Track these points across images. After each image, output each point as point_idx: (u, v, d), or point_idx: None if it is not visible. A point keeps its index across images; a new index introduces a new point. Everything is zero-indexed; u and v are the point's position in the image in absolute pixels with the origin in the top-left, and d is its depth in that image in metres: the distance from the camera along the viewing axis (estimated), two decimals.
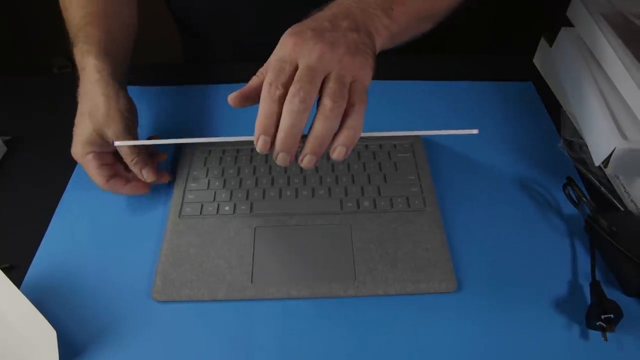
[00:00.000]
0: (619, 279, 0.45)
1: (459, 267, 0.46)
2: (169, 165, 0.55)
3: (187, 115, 0.62)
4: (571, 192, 0.51)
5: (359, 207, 0.50)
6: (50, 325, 0.39)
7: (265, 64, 0.38)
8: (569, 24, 0.61)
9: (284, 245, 0.47)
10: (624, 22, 0.57)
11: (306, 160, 0.35)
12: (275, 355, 0.40)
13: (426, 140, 0.57)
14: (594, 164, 0.50)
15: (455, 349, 0.41)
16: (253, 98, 0.38)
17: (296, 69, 0.35)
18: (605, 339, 0.40)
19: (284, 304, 0.43)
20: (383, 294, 0.44)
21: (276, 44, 0.37)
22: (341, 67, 0.35)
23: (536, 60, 0.70)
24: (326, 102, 0.34)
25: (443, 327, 0.42)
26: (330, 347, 0.41)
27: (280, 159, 0.35)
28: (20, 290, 0.42)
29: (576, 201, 0.50)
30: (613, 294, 0.43)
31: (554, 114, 0.61)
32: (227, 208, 0.50)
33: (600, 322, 0.40)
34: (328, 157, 0.53)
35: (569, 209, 0.51)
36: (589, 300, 0.43)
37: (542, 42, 0.68)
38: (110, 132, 0.46)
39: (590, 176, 0.53)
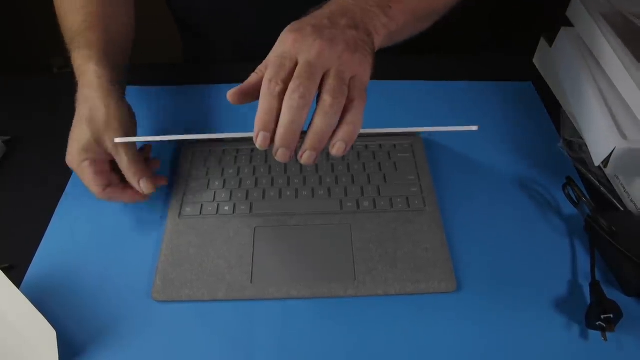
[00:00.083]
0: (619, 279, 0.45)
1: (458, 267, 0.46)
2: (169, 165, 0.55)
3: (187, 115, 0.62)
4: (571, 192, 0.51)
5: (358, 207, 0.50)
6: (50, 325, 0.39)
7: (264, 61, 0.38)
8: (569, 23, 0.61)
9: (283, 245, 0.47)
10: (624, 21, 0.57)
11: (306, 156, 0.35)
12: (275, 355, 0.40)
13: (426, 140, 0.57)
14: (593, 163, 0.50)
15: (455, 349, 0.41)
16: (252, 95, 0.38)
17: (296, 65, 0.35)
18: (605, 339, 0.40)
19: (284, 304, 0.43)
20: (383, 293, 0.44)
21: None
22: (340, 64, 0.35)
23: (536, 60, 0.70)
24: (326, 98, 0.34)
25: (443, 327, 0.42)
26: (330, 347, 0.41)
27: (280, 154, 0.35)
28: (20, 290, 0.42)
29: (576, 201, 0.50)
30: (613, 293, 0.43)
31: (553, 114, 0.61)
32: (226, 208, 0.50)
33: (600, 322, 0.40)
34: (328, 157, 0.54)
35: (568, 209, 0.51)
36: (588, 300, 0.43)
37: (542, 42, 0.68)
38: (108, 140, 0.45)
39: (590, 176, 0.53)
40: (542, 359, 0.40)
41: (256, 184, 0.52)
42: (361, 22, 0.39)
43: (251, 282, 0.44)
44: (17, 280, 0.44)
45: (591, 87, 0.53)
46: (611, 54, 0.52)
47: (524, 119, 0.61)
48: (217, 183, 0.52)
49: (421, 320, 0.42)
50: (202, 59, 0.80)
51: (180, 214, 0.49)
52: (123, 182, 0.48)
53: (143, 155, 0.50)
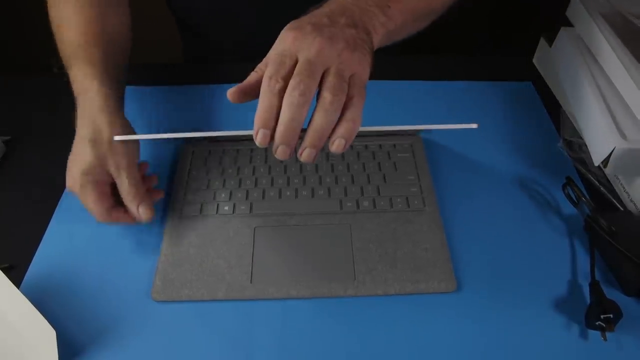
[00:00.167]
0: (619, 279, 0.45)
1: (458, 267, 0.46)
2: (169, 165, 0.55)
3: (187, 115, 0.62)
4: (571, 192, 0.51)
5: (358, 207, 0.50)
6: (49, 325, 0.39)
7: (264, 59, 0.38)
8: (569, 23, 0.61)
9: (283, 245, 0.47)
10: (623, 21, 0.57)
11: (305, 154, 0.35)
12: (275, 355, 0.40)
13: (426, 140, 0.57)
14: (593, 163, 0.50)
15: (455, 349, 0.41)
16: (252, 93, 0.38)
17: (296, 63, 0.35)
18: (605, 339, 0.40)
19: (284, 304, 0.43)
20: (382, 293, 0.44)
21: None
22: (340, 62, 0.35)
23: (536, 60, 0.70)
24: (326, 95, 0.34)
25: (442, 327, 0.42)
26: (330, 347, 0.41)
27: (280, 152, 0.35)
28: (20, 290, 0.42)
29: (576, 201, 0.50)
30: (612, 293, 0.43)
31: (553, 113, 0.61)
32: (226, 208, 0.50)
33: (599, 322, 0.40)
34: (328, 157, 0.54)
35: (568, 208, 0.51)
36: (588, 300, 0.43)
37: (542, 42, 0.68)
38: (111, 163, 0.44)
39: (590, 176, 0.53)
40: (541, 358, 0.40)
41: (256, 184, 0.52)
42: (360, 21, 0.39)
43: (251, 282, 0.44)
44: (17, 280, 0.44)
45: (591, 87, 0.53)
46: (611, 54, 0.52)
47: (524, 119, 0.61)
48: (217, 183, 0.52)
49: (421, 320, 0.42)
50: (202, 58, 0.80)
51: (180, 214, 0.49)
52: (119, 204, 0.46)
53: (140, 171, 0.48)
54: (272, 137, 0.35)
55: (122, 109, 0.48)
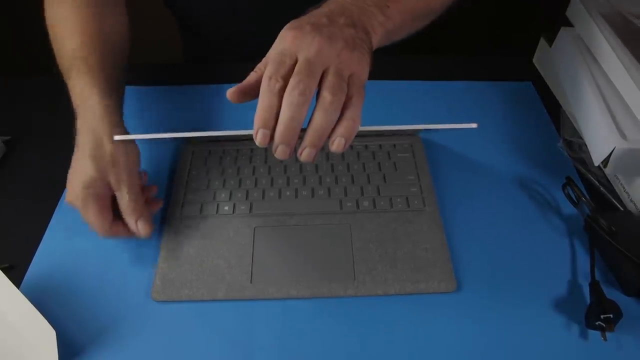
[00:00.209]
0: (619, 279, 0.45)
1: (458, 267, 0.46)
2: (169, 165, 0.55)
3: (187, 115, 0.62)
4: (570, 192, 0.51)
5: (358, 207, 0.50)
6: (49, 325, 0.39)
7: (264, 58, 0.38)
8: (569, 23, 0.61)
9: (283, 245, 0.47)
10: (623, 21, 0.57)
11: (305, 153, 0.35)
12: (275, 355, 0.40)
13: (426, 140, 0.57)
14: (593, 163, 0.50)
15: (455, 349, 0.41)
16: (251, 93, 0.38)
17: (295, 62, 0.35)
18: (605, 339, 0.40)
19: (284, 304, 0.43)
20: (382, 293, 0.44)
21: None
22: (339, 62, 0.35)
23: (536, 60, 0.70)
24: (325, 94, 0.34)
25: (442, 327, 0.42)
26: (330, 347, 0.41)
27: (280, 151, 0.35)
28: (20, 290, 0.42)
29: (575, 201, 0.50)
30: (612, 293, 0.43)
31: (553, 114, 0.61)
32: (226, 208, 0.50)
33: (599, 322, 0.40)
34: (328, 157, 0.54)
35: (568, 208, 0.51)
36: (588, 300, 0.43)
37: (542, 42, 0.68)
38: (112, 176, 0.43)
39: (590, 176, 0.53)
40: (541, 358, 0.40)
41: (256, 184, 0.52)
42: (359, 21, 0.39)
43: (251, 282, 0.44)
44: (17, 280, 0.44)
45: (591, 87, 0.53)
46: (611, 54, 0.52)
47: (524, 119, 0.61)
48: (216, 183, 0.52)
49: (421, 320, 0.42)
50: (202, 58, 0.80)
51: (180, 214, 0.49)
52: (119, 217, 0.45)
53: (140, 180, 0.47)
54: (272, 137, 0.35)
55: (122, 119, 0.47)
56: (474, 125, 0.38)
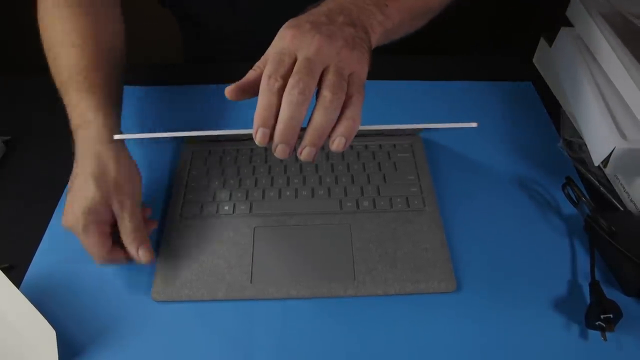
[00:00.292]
0: (619, 279, 0.45)
1: (458, 267, 0.46)
2: (169, 165, 0.55)
3: (187, 115, 0.62)
4: (570, 192, 0.51)
5: (358, 207, 0.50)
6: (49, 325, 0.39)
7: (263, 57, 0.38)
8: (569, 23, 0.61)
9: (283, 245, 0.47)
10: (623, 21, 0.57)
11: (305, 152, 0.35)
12: (275, 355, 0.40)
13: (426, 140, 0.57)
14: (593, 163, 0.50)
15: (455, 349, 0.41)
16: (250, 91, 0.38)
17: (295, 61, 0.35)
18: (605, 339, 0.40)
19: (284, 304, 0.43)
20: (382, 293, 0.44)
21: None
22: (339, 60, 0.35)
23: (536, 60, 0.70)
24: (325, 93, 0.34)
25: (442, 327, 0.42)
26: (330, 347, 0.41)
27: (279, 151, 0.35)
28: (20, 290, 0.42)
29: (575, 201, 0.50)
30: (612, 293, 0.43)
31: (553, 114, 0.61)
32: (226, 208, 0.50)
33: (599, 322, 0.40)
34: (328, 157, 0.54)
35: (568, 208, 0.51)
36: (588, 300, 0.43)
37: (542, 42, 0.68)
38: (116, 202, 0.42)
39: (590, 176, 0.53)
40: (541, 358, 0.40)
41: (256, 184, 0.52)
42: (358, 20, 0.39)
43: (251, 282, 0.44)
44: (17, 280, 0.44)
45: (591, 87, 0.53)
46: (611, 54, 0.52)
47: (524, 119, 0.61)
48: (216, 183, 0.52)
49: (421, 320, 0.42)
50: (202, 58, 0.80)
51: (180, 214, 0.49)
52: (117, 244, 0.44)
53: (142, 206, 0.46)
54: (271, 136, 0.35)
55: (124, 140, 0.46)
56: (474, 125, 0.38)
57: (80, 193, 0.42)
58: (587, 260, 0.46)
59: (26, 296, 0.41)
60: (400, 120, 0.60)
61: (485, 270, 0.46)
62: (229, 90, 0.37)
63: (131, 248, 0.43)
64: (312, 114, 0.35)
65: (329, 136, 0.35)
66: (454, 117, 0.61)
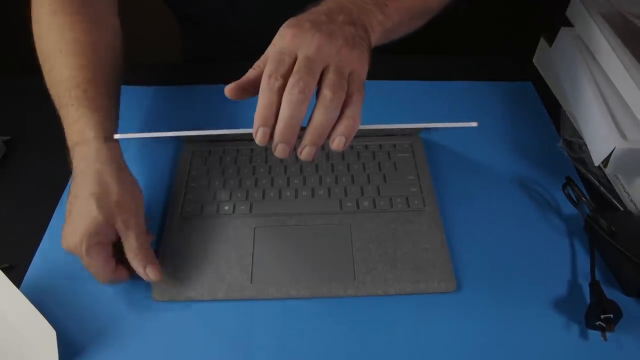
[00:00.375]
0: (619, 279, 0.45)
1: (458, 267, 0.46)
2: (169, 165, 0.55)
3: (187, 115, 0.62)
4: (571, 192, 0.51)
5: (358, 207, 0.50)
6: (49, 325, 0.39)
7: (262, 56, 0.38)
8: (569, 23, 0.61)
9: (283, 245, 0.47)
10: (623, 21, 0.57)
11: (305, 152, 0.35)
12: (275, 355, 0.40)
13: (426, 140, 0.57)
14: (593, 163, 0.50)
15: (455, 349, 0.41)
16: (250, 90, 0.37)
17: (295, 60, 0.35)
18: (605, 339, 0.40)
19: (284, 304, 0.43)
20: (382, 293, 0.44)
21: None
22: (339, 59, 0.35)
23: (536, 60, 0.70)
24: (326, 92, 0.34)
25: (442, 327, 0.42)
26: (330, 347, 0.41)
27: (279, 150, 0.35)
28: (20, 290, 0.42)
29: (576, 201, 0.50)
30: (612, 293, 0.43)
31: (553, 114, 0.61)
32: (226, 208, 0.50)
33: (599, 322, 0.40)
34: (328, 157, 0.54)
35: (568, 208, 0.51)
36: (588, 300, 0.43)
37: (542, 42, 0.68)
38: (120, 222, 0.41)
39: (590, 176, 0.53)
40: (541, 358, 0.40)
41: (256, 184, 0.52)
42: (358, 19, 0.39)
43: (251, 282, 0.44)
44: (17, 280, 0.44)
45: (591, 87, 0.53)
46: (611, 54, 0.52)
47: (524, 119, 0.61)
48: (217, 183, 0.52)
49: (421, 320, 0.42)
50: (202, 58, 0.80)
51: (180, 214, 0.49)
52: (120, 263, 0.43)
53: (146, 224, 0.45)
54: (271, 135, 0.35)
55: (122, 156, 0.45)
56: (474, 124, 0.38)
57: (81, 215, 0.41)
58: (587, 260, 0.46)
59: (26, 296, 0.41)
60: (400, 120, 0.60)
61: (485, 270, 0.46)
62: (228, 89, 0.37)
63: (138, 267, 0.42)
64: (312, 113, 0.35)
65: (329, 135, 0.35)
66: (453, 117, 0.61)
